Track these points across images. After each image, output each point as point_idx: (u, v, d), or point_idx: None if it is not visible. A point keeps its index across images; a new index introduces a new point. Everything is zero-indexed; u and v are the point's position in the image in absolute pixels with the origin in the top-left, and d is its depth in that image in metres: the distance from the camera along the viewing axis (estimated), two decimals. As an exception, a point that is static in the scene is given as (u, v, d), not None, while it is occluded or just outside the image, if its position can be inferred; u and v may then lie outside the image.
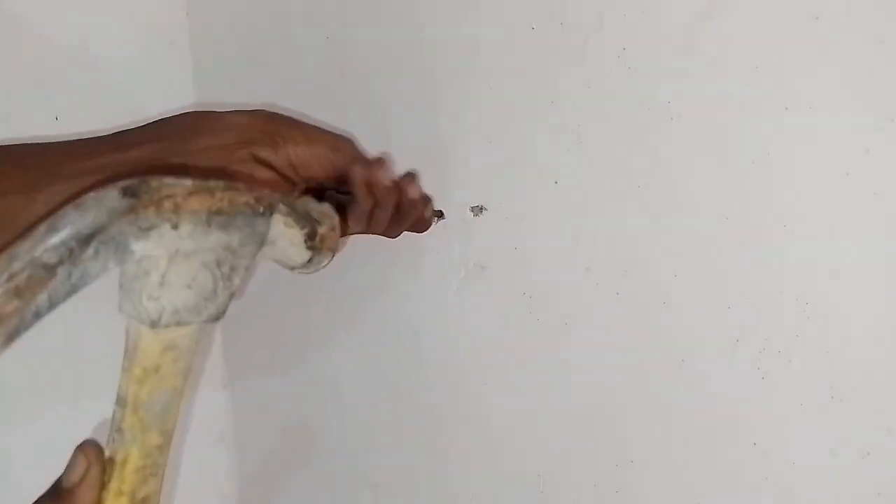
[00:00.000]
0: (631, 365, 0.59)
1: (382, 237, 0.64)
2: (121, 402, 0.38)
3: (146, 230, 0.36)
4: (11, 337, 0.34)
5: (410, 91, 0.68)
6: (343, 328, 0.76)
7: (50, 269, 0.34)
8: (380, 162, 0.59)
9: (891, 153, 0.49)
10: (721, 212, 0.54)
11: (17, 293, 0.33)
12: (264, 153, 0.52)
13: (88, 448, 0.37)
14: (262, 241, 0.41)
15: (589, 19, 0.58)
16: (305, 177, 0.56)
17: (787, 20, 0.51)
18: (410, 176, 0.62)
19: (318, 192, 0.60)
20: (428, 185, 0.66)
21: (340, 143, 0.57)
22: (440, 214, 0.67)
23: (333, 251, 0.48)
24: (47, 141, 0.51)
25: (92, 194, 0.36)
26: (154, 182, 0.37)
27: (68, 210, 0.35)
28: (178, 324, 0.38)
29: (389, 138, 0.69)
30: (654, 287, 0.57)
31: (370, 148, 0.67)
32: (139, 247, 0.36)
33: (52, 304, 0.35)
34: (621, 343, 0.59)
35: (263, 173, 0.53)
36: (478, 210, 0.65)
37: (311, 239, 0.45)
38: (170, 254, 0.37)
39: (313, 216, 0.47)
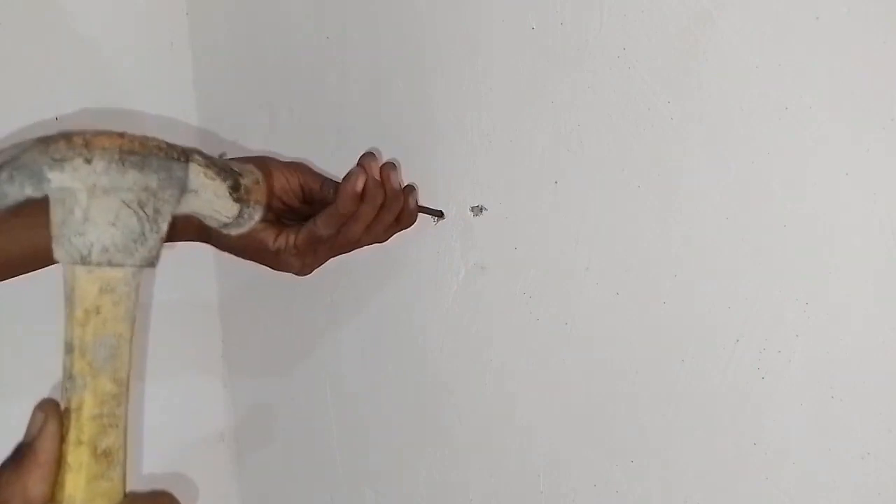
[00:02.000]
0: (631, 365, 0.59)
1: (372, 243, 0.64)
2: (67, 347, 0.39)
3: (59, 161, 0.39)
4: None
5: (410, 91, 0.68)
6: (343, 328, 0.76)
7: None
8: (369, 156, 0.59)
9: (891, 153, 0.49)
10: (721, 212, 0.54)
11: None
12: None
13: (44, 403, 0.38)
14: (182, 187, 0.43)
15: (589, 19, 0.58)
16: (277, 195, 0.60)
17: (787, 20, 0.51)
18: (390, 165, 0.61)
19: (292, 211, 0.62)
20: (428, 185, 0.66)
21: (294, 164, 0.62)
22: (440, 214, 0.67)
23: (262, 205, 0.50)
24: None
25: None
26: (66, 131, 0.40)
27: None
28: (111, 263, 0.40)
29: (389, 138, 0.69)
30: (654, 287, 0.57)
31: (369, 148, 0.67)
32: (54, 176, 0.39)
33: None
34: (621, 343, 0.59)
35: None
36: (478, 210, 0.65)
37: (235, 190, 0.47)
38: (88, 188, 0.39)
39: (234, 169, 0.48)
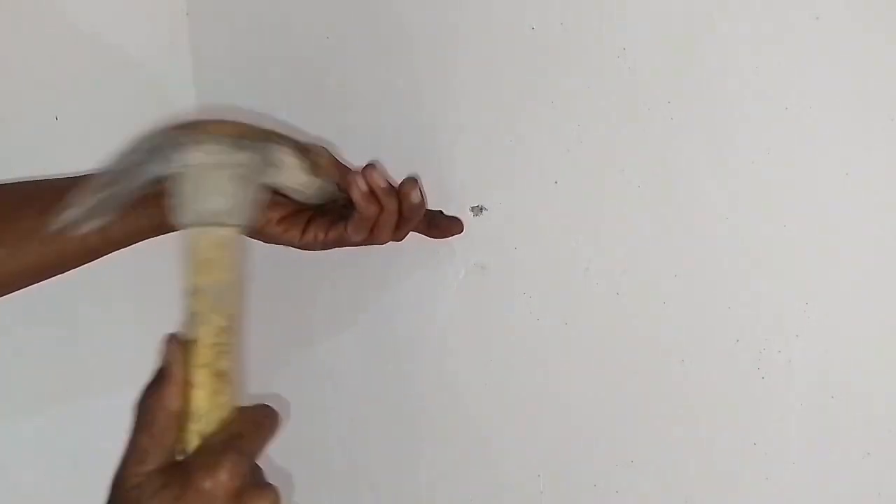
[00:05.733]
0: (631, 365, 0.59)
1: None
2: (188, 291, 0.49)
3: (183, 144, 0.49)
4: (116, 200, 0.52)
5: (410, 91, 0.68)
6: (343, 328, 0.76)
7: (137, 164, 0.51)
8: (371, 167, 0.59)
9: (891, 153, 0.49)
10: (721, 212, 0.54)
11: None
12: None
13: (172, 336, 0.47)
14: (274, 165, 0.53)
15: (589, 19, 0.58)
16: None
17: (787, 20, 0.51)
18: (412, 181, 0.62)
19: (318, 206, 0.63)
20: (428, 185, 0.66)
21: (318, 149, 0.63)
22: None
23: (332, 178, 0.59)
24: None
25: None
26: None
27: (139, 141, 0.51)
28: (220, 224, 0.49)
29: (389, 138, 0.69)
30: (654, 287, 0.57)
31: (370, 148, 0.67)
32: (179, 157, 0.49)
33: (136, 183, 0.51)
34: (621, 343, 0.59)
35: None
36: (478, 210, 0.65)
37: (315, 168, 0.56)
38: (210, 164, 0.49)
39: (309, 149, 0.57)
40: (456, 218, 0.65)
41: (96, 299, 0.78)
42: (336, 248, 0.64)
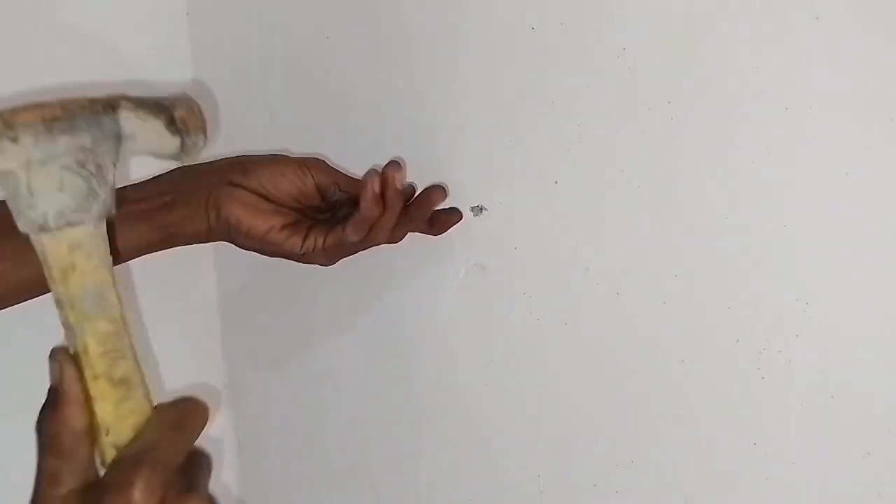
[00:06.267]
0: (631, 365, 0.59)
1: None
2: (58, 304, 0.43)
3: None
4: None
5: (410, 91, 0.68)
6: (343, 328, 0.76)
7: None
8: (396, 166, 0.60)
9: (891, 153, 0.49)
10: (721, 212, 0.54)
11: None
12: (236, 178, 0.64)
13: (55, 352, 0.43)
14: (118, 136, 0.45)
15: (589, 19, 0.58)
16: (280, 192, 0.64)
17: (787, 20, 0.51)
18: (441, 191, 0.64)
19: (320, 210, 0.65)
20: (428, 185, 0.66)
21: (310, 161, 0.66)
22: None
23: (202, 130, 0.50)
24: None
25: None
26: None
27: None
28: (70, 224, 0.42)
29: (389, 138, 0.69)
30: (654, 287, 0.57)
31: (370, 148, 0.67)
32: None
33: None
34: (621, 343, 0.59)
35: (243, 196, 0.63)
36: (478, 210, 0.65)
37: (171, 124, 0.48)
38: (23, 165, 0.41)
39: (165, 104, 0.49)
40: (453, 209, 0.65)
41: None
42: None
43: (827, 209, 0.51)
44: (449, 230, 0.65)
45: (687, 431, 0.57)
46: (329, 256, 0.64)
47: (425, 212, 0.63)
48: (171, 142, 0.48)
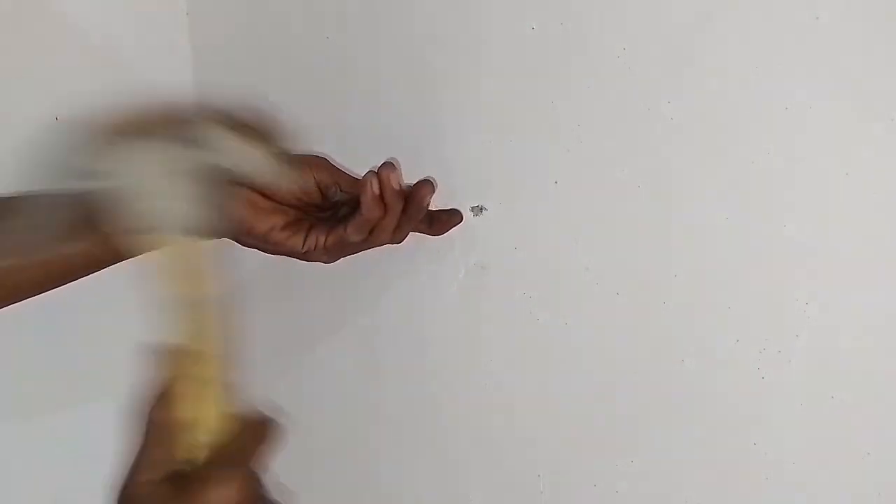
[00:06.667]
0: (631, 365, 0.59)
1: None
2: (164, 304, 0.46)
3: (126, 154, 0.46)
4: None
5: (410, 91, 0.68)
6: (343, 328, 0.76)
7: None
8: (391, 167, 0.60)
9: (891, 153, 0.49)
10: (721, 212, 0.54)
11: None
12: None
13: (164, 348, 0.46)
14: (218, 150, 0.49)
15: (589, 19, 0.58)
16: (282, 190, 0.63)
17: (787, 21, 0.51)
18: (429, 185, 0.63)
19: (321, 209, 0.65)
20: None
21: (311, 159, 0.65)
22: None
23: (273, 148, 0.54)
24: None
25: None
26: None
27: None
28: (188, 233, 0.46)
29: (389, 138, 0.69)
30: (654, 287, 0.57)
31: (370, 148, 0.67)
32: (122, 169, 0.45)
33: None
34: (621, 343, 0.59)
35: (245, 195, 0.63)
36: (478, 210, 0.65)
37: (248, 139, 0.52)
38: (143, 177, 0.45)
39: (236, 120, 0.53)
40: (454, 210, 0.65)
41: (96, 301, 0.78)
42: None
43: (827, 209, 0.51)
44: (449, 230, 0.65)
45: (687, 431, 0.57)
46: (331, 255, 0.64)
47: (419, 208, 0.63)
48: (260, 156, 0.52)
